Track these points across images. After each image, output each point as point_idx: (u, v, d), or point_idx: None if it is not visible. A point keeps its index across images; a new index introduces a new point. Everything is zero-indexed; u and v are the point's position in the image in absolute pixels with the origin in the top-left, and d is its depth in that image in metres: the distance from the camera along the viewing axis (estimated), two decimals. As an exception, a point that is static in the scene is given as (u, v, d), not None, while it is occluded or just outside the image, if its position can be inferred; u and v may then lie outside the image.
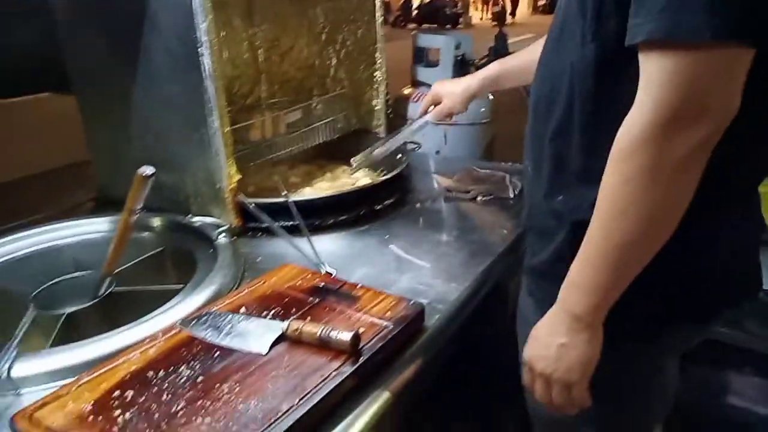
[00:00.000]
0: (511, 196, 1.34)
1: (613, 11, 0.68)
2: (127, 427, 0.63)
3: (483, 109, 1.76)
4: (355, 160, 1.37)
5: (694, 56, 0.60)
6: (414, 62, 2.03)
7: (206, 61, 1.05)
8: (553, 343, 0.76)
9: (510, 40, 3.36)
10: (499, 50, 2.28)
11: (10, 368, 0.72)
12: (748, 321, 1.55)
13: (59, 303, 0.96)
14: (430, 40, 1.97)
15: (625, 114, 0.66)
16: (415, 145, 1.44)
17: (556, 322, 0.76)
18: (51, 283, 1.00)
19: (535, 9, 21.95)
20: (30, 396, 0.71)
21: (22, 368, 0.73)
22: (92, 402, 0.66)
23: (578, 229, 0.73)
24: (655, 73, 0.62)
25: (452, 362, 0.94)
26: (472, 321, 0.97)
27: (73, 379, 0.71)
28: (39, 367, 0.74)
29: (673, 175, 0.64)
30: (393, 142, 1.36)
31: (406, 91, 2.05)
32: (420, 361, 0.82)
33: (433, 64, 1.98)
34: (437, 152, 1.64)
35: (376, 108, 1.60)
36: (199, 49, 1.04)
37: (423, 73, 1.99)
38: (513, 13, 17.96)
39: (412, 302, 0.85)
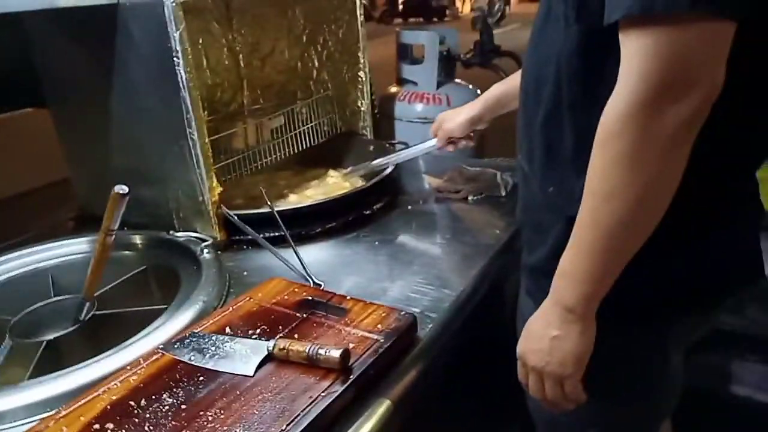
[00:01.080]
0: (503, 194, 1.31)
1: None
2: (107, 463, 0.60)
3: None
4: (350, 170, 1.41)
5: (674, 30, 0.58)
6: (398, 59, 1.99)
7: (182, 72, 1.01)
8: (545, 335, 0.74)
9: (496, 31, 3.32)
10: (485, 43, 2.25)
11: (-16, 405, 0.69)
12: (751, 308, 1.53)
13: (39, 330, 0.93)
14: (414, 37, 1.92)
15: None
16: (402, 146, 1.41)
17: (548, 315, 0.74)
18: (29, 309, 0.96)
19: (523, -3, 21.79)
20: (8, 433, 0.68)
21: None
22: (71, 438, 0.63)
23: (574, 223, 0.70)
24: (636, 50, 0.60)
25: (451, 367, 0.91)
26: (469, 325, 0.94)
27: (52, 412, 0.68)
28: (16, 401, 0.71)
29: (661, 153, 0.61)
30: (394, 159, 1.35)
31: (393, 89, 2.00)
32: (415, 371, 0.79)
33: (418, 61, 1.93)
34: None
35: (362, 109, 1.57)
36: (174, 60, 1.00)
37: (408, 71, 1.94)
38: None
39: (403, 313, 0.82)
